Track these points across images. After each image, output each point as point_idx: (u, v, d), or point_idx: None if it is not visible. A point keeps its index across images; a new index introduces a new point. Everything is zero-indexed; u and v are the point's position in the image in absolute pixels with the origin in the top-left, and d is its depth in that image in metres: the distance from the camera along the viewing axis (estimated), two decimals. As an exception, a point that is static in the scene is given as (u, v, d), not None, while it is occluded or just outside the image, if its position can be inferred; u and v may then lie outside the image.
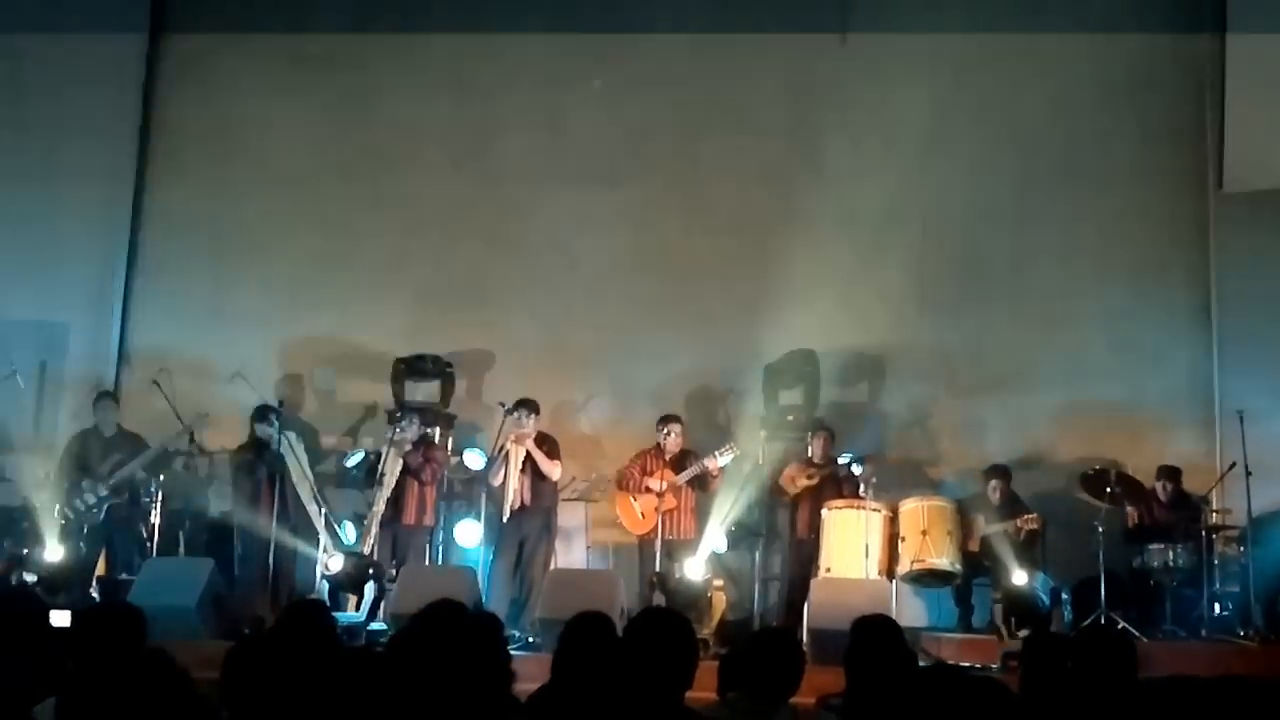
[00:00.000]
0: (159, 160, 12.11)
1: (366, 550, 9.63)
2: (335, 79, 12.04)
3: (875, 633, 4.78)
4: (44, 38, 11.86)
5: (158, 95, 12.17)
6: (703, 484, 9.99)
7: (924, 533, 9.62)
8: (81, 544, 9.90)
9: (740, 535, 10.61)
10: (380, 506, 9.83)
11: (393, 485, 9.88)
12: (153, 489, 10.17)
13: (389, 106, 12.03)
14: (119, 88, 12.01)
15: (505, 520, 9.87)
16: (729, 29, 11.89)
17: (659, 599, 8.98)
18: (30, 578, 9.29)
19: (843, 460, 10.05)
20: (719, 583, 9.95)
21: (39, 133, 11.70)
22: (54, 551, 9.64)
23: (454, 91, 12.03)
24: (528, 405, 9.95)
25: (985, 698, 2.54)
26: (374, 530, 9.79)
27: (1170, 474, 10.14)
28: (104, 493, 9.95)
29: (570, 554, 10.80)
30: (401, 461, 9.93)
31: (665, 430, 10.06)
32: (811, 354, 10.89)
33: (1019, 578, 9.42)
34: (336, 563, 9.38)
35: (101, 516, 9.96)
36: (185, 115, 12.15)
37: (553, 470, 9.94)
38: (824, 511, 9.78)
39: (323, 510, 9.91)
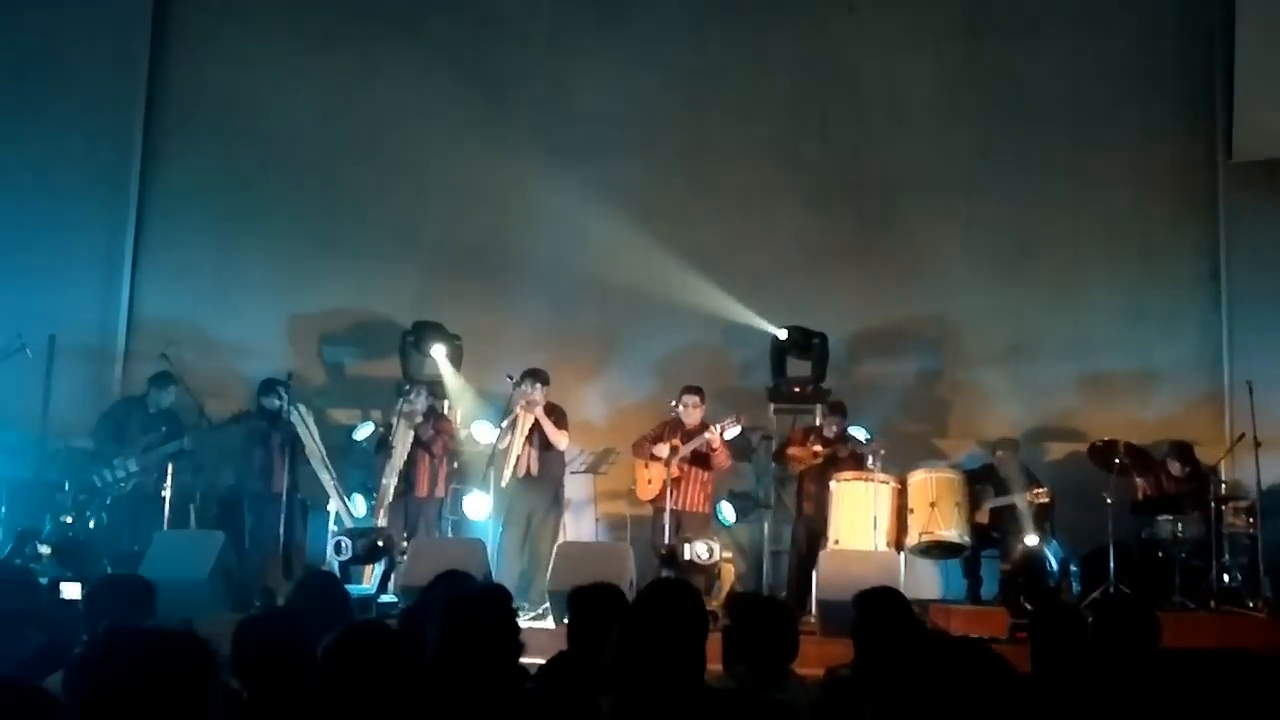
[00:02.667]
0: (165, 133, 12.07)
1: (379, 523, 9.65)
2: (341, 50, 11.99)
3: (880, 605, 4.78)
4: (50, 10, 11.84)
5: (164, 69, 12.13)
6: (703, 461, 9.92)
7: (932, 504, 9.61)
8: (103, 514, 9.91)
9: (749, 508, 10.62)
10: (393, 480, 9.85)
11: (404, 458, 9.90)
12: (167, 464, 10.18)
13: (395, 78, 11.97)
14: (124, 61, 11.96)
15: (505, 485, 9.85)
16: (737, -1, 11.86)
17: (667, 573, 8.97)
18: (44, 549, 9.31)
19: (856, 434, 10.03)
20: (728, 555, 9.95)
21: (45, 105, 11.68)
22: (69, 523, 9.67)
23: (460, 63, 11.97)
24: (536, 375, 9.93)
25: (984, 665, 2.55)
26: (386, 503, 9.81)
27: (1181, 453, 10.08)
28: (134, 468, 9.95)
29: (579, 527, 10.82)
30: (412, 434, 9.94)
31: (682, 401, 9.99)
32: (820, 332, 10.87)
33: (1031, 539, 9.45)
34: (345, 548, 9.32)
35: (128, 490, 9.98)
36: (191, 88, 12.10)
37: (560, 440, 9.92)
38: (832, 483, 9.75)
39: (334, 481, 9.92)
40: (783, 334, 10.87)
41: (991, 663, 2.59)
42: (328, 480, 9.89)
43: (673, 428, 9.99)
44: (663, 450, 9.76)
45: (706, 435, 9.73)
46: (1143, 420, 10.78)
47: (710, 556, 9.16)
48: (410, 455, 9.94)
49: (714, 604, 8.79)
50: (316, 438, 9.95)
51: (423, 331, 10.87)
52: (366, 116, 11.97)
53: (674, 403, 10.03)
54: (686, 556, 9.17)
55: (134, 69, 11.99)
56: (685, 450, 9.79)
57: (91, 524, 9.80)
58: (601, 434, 11.03)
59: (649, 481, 9.90)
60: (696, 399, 10.00)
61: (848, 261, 11.48)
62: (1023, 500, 9.74)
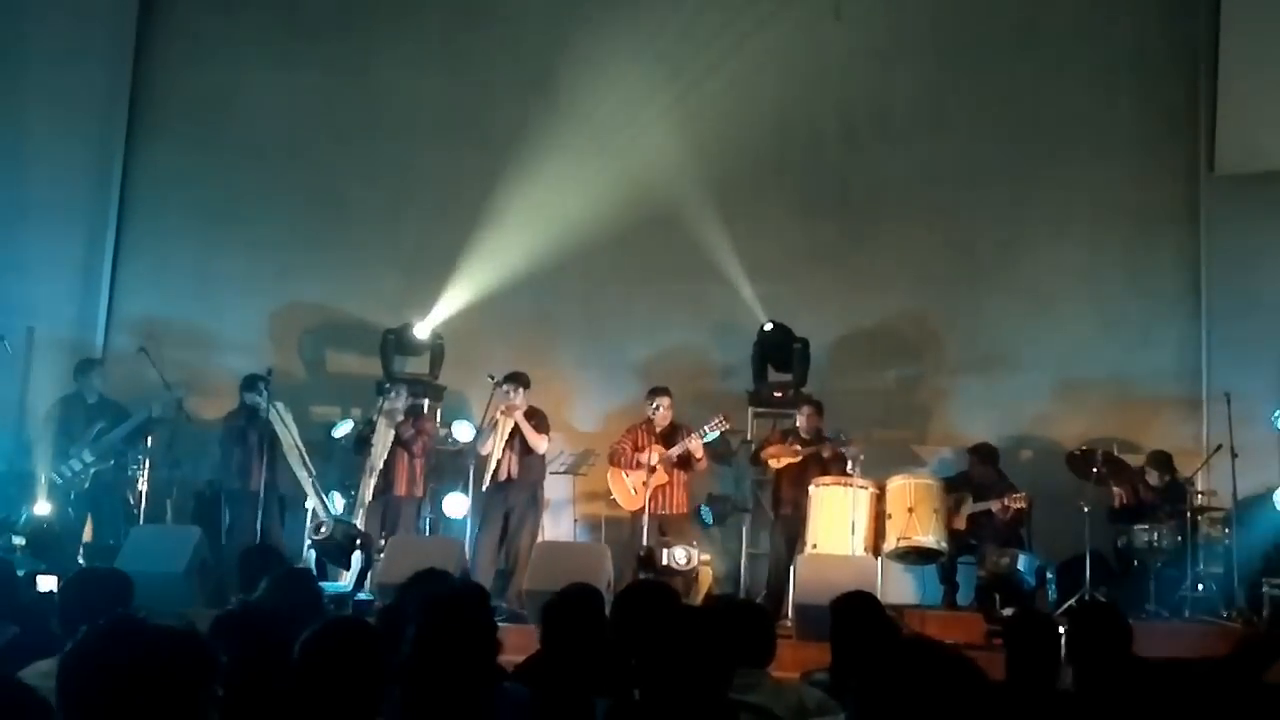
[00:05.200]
0: (149, 126, 12.03)
1: (359, 521, 9.63)
2: (327, 45, 11.97)
3: (855, 609, 4.80)
4: (34, 3, 11.78)
5: (149, 61, 12.08)
6: (685, 464, 9.94)
7: (910, 510, 9.63)
8: (69, 509, 9.88)
9: (727, 510, 10.63)
10: (374, 478, 9.83)
11: (384, 457, 9.87)
12: (139, 456, 10.15)
13: (381, 74, 11.96)
14: (109, 56, 11.91)
15: (485, 489, 9.86)
16: (724, 1, 11.85)
17: (644, 576, 8.98)
18: (18, 540, 9.28)
19: (832, 438, 10.04)
20: (706, 558, 9.95)
21: (28, 97, 11.61)
22: (41, 516, 9.63)
23: (446, 60, 11.96)
24: (516, 378, 9.91)
25: (956, 671, 2.57)
26: (366, 500, 9.80)
27: (1160, 462, 10.13)
28: (90, 459, 9.90)
29: (558, 527, 10.81)
30: (393, 432, 9.93)
31: (654, 403, 10.04)
32: (802, 337, 10.90)
33: (1004, 559, 9.46)
34: (325, 528, 9.36)
35: (88, 483, 9.93)
36: (176, 82, 12.06)
37: (540, 444, 9.91)
38: (811, 488, 9.77)
39: (312, 478, 9.89)
40: (769, 325, 10.89)
41: (963, 669, 2.61)
42: (305, 478, 9.86)
43: (645, 433, 10.01)
44: (652, 458, 9.77)
45: (689, 443, 9.76)
46: (1121, 430, 10.82)
47: (688, 562, 9.17)
48: (390, 454, 9.93)
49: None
50: (295, 435, 9.93)
51: (405, 332, 10.90)
52: (351, 113, 11.95)
53: (653, 405, 10.04)
54: (665, 562, 9.17)
55: (118, 63, 11.93)
56: (673, 454, 9.82)
57: (56, 516, 9.77)
58: (582, 435, 11.04)
59: (633, 491, 9.88)
60: (668, 399, 10.04)
61: (831, 267, 11.51)
62: (998, 505, 9.78)
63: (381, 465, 9.87)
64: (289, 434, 9.86)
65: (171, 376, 10.33)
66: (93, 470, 9.92)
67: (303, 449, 9.93)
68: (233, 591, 8.74)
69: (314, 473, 9.90)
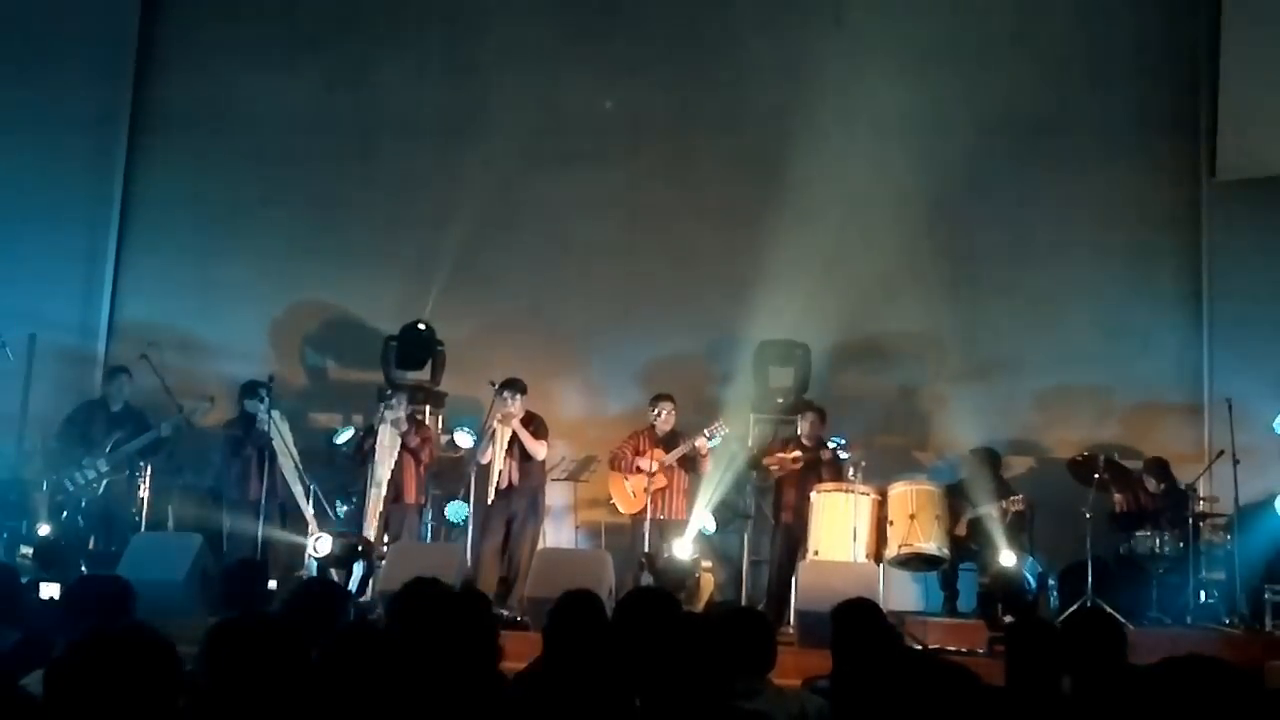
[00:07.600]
0: (150, 133, 12.04)
1: (371, 530, 9.63)
2: (329, 55, 11.98)
3: (857, 616, 4.80)
4: (37, 9, 11.80)
5: (151, 69, 12.10)
6: (692, 465, 9.99)
7: (912, 517, 9.63)
8: (79, 518, 9.87)
9: (728, 517, 10.63)
10: (382, 488, 9.83)
11: (391, 464, 9.88)
12: (140, 464, 10.16)
13: (382, 83, 11.97)
14: (110, 62, 11.93)
15: (491, 501, 9.87)
16: (724, 9, 11.87)
17: (647, 579, 9.01)
18: (25, 550, 9.28)
19: (831, 444, 10.03)
20: (707, 564, 9.96)
21: (29, 106, 11.63)
22: (46, 525, 9.63)
23: (447, 70, 11.98)
24: (514, 385, 9.92)
25: (960, 685, 2.57)
26: (376, 510, 9.80)
27: (1158, 469, 10.14)
28: (105, 468, 9.90)
29: (559, 534, 10.82)
30: (399, 440, 9.93)
31: (656, 409, 10.08)
32: (803, 343, 10.90)
33: (1006, 558, 9.44)
34: (325, 545, 9.32)
35: (100, 491, 9.93)
36: (177, 90, 12.07)
37: (538, 450, 9.92)
38: (812, 495, 9.79)
39: (310, 487, 9.89)
40: (760, 342, 10.92)
41: (965, 680, 2.61)
42: (298, 491, 9.87)
43: (647, 438, 10.03)
44: (650, 464, 9.79)
45: (695, 442, 9.78)
46: (1122, 436, 10.82)
47: (689, 555, 9.21)
48: (396, 461, 9.94)
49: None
50: (289, 444, 9.92)
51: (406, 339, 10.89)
52: (352, 121, 11.96)
53: (656, 411, 10.06)
54: (665, 555, 9.20)
55: (120, 70, 11.95)
56: (671, 458, 9.83)
57: (63, 524, 9.76)
58: (582, 442, 11.02)
59: (633, 495, 9.90)
60: (671, 405, 10.09)
61: (832, 273, 11.49)
62: (996, 508, 9.76)
63: (388, 474, 9.88)
64: (284, 442, 9.86)
65: (173, 383, 10.31)
66: (106, 480, 9.93)
67: (297, 459, 9.93)
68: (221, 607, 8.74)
69: (309, 483, 9.90)
